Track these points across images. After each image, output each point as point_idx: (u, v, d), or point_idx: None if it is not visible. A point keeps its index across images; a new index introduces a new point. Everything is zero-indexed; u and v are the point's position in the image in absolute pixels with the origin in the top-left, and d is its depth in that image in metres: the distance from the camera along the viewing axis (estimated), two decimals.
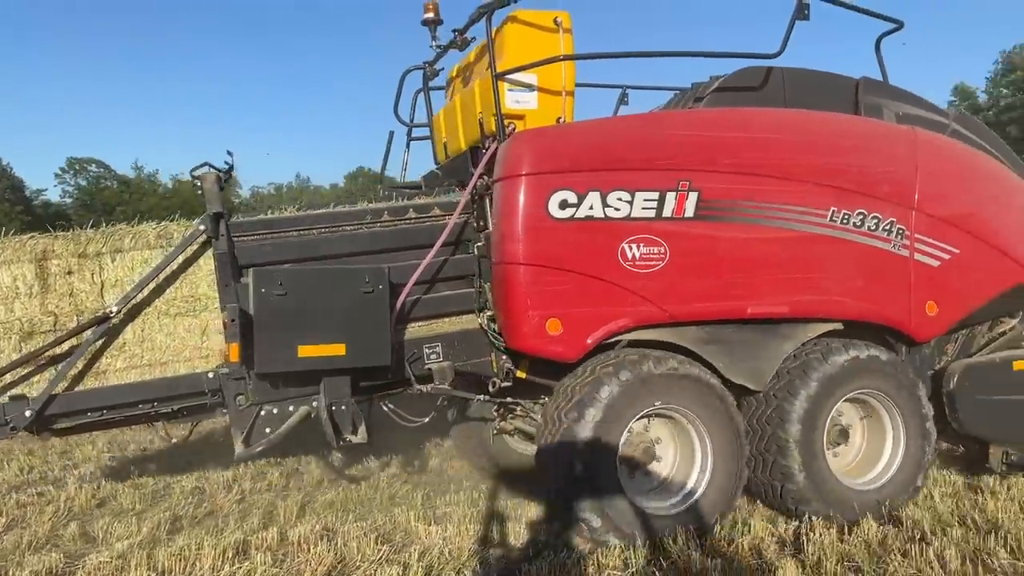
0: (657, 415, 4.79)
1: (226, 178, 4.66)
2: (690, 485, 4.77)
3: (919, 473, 5.20)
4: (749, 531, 4.71)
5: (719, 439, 4.75)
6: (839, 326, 5.24)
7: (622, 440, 4.56)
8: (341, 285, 4.49)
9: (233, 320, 4.30)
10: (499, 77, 4.74)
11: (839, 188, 5.05)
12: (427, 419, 5.27)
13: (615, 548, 4.43)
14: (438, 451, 7.37)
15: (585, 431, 4.42)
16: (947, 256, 5.39)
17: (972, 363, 5.65)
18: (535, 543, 4.69)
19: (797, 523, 4.85)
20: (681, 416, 4.76)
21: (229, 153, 4.76)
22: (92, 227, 4.92)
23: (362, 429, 4.69)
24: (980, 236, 5.52)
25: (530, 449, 5.60)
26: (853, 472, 5.23)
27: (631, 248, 4.63)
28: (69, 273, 4.73)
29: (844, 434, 5.20)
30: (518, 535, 4.84)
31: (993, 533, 4.52)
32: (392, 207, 5.08)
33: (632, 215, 4.62)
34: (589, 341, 4.62)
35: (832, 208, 5.02)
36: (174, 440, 5.10)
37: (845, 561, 4.24)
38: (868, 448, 5.31)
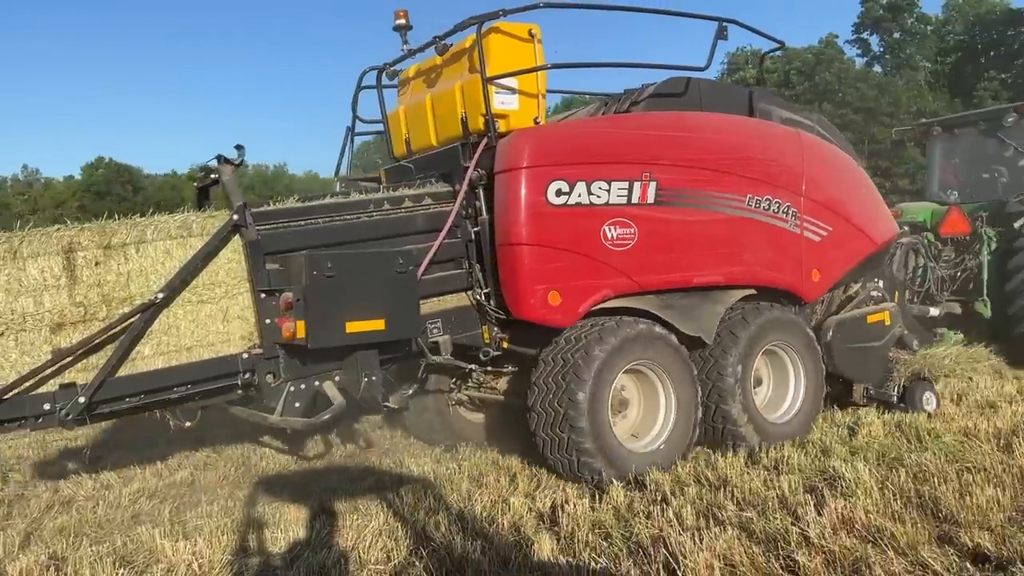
0: (630, 370, 5.65)
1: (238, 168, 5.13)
2: (658, 427, 5.73)
3: (816, 411, 6.53)
4: (509, 509, 4.82)
5: (680, 386, 5.74)
6: (754, 292, 6.37)
7: (611, 393, 5.44)
8: (379, 266, 5.06)
9: (298, 300, 4.74)
10: (489, 81, 5.45)
11: (753, 179, 6.22)
12: (403, 405, 5.86)
13: (376, 542, 4.35)
14: (188, 461, 6.85)
15: (583, 389, 5.25)
16: (825, 233, 6.68)
17: (840, 318, 7.04)
18: (296, 546, 4.52)
19: (553, 497, 5.03)
20: (650, 369, 5.69)
21: (239, 147, 5.13)
22: (106, 219, 4.92)
23: (395, 396, 5.52)
24: (845, 217, 6.87)
25: (479, 417, 6.99)
26: (766, 410, 6.34)
27: (610, 229, 5.53)
28: (96, 264, 4.74)
29: (759, 380, 6.42)
30: (276, 541, 4.67)
31: (722, 488, 4.96)
32: (390, 197, 5.62)
33: (610, 202, 5.53)
34: (581, 310, 5.49)
35: (749, 195, 6.16)
36: (187, 424, 5.28)
37: (596, 529, 4.45)
38: (775, 389, 6.53)
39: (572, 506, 4.81)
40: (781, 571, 3.77)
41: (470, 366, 5.81)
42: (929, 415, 6.69)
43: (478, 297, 5.63)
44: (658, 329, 5.71)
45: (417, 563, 4.12)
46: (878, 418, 6.63)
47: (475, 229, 5.61)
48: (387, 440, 7.50)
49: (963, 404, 7.15)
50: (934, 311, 8.82)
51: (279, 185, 77.94)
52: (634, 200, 5.60)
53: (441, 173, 5.97)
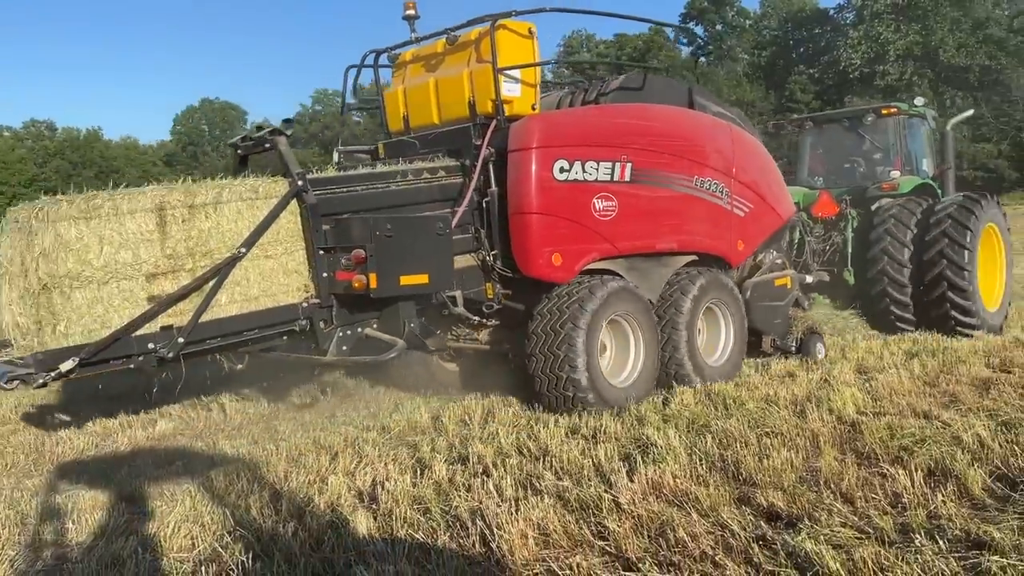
0: (610, 320, 6.60)
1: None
2: (629, 367, 6.81)
3: (741, 357, 7.83)
4: (327, 488, 4.68)
5: (647, 335, 6.84)
6: (696, 258, 7.57)
7: (599, 339, 6.44)
8: (425, 229, 5.95)
9: (371, 256, 5.54)
10: (500, 71, 6.35)
11: (698, 163, 7.39)
12: (440, 347, 6.69)
13: (180, 529, 4.09)
14: None
15: (580, 336, 6.22)
16: (747, 209, 7.95)
17: (755, 281, 8.31)
18: (92, 536, 4.18)
19: (374, 474, 4.92)
20: (623, 319, 6.72)
21: (289, 120, 5.92)
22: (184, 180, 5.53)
23: (432, 340, 6.29)
24: (761, 196, 8.18)
25: (454, 367, 7.88)
26: (705, 354, 7.45)
27: (598, 202, 6.59)
28: (183, 221, 5.29)
29: (699, 331, 7.45)
30: (69, 531, 4.31)
31: (542, 459, 5.04)
32: (412, 169, 6.46)
33: (598, 178, 6.58)
34: (576, 268, 6.53)
35: (695, 176, 7.34)
36: (239, 366, 5.99)
37: (416, 505, 4.39)
38: (709, 339, 7.66)
39: (393, 483, 4.72)
40: (592, 537, 3.86)
41: (475, 317, 6.65)
42: (817, 361, 8.02)
43: (483, 257, 6.51)
44: (631, 286, 6.81)
45: (222, 550, 3.90)
46: (690, 387, 6.98)
47: (485, 200, 6.45)
48: (202, 421, 7.11)
49: (768, 373, 7.66)
50: (809, 279, 9.99)
51: (92, 152, 72.11)
52: (615, 178, 6.68)
53: (448, 149, 6.85)
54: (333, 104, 79.33)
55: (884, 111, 10.69)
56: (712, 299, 7.47)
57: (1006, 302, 10.29)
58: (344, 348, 5.96)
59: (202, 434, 6.64)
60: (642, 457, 5.01)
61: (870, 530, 3.74)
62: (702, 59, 63.87)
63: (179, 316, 5.18)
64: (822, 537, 3.64)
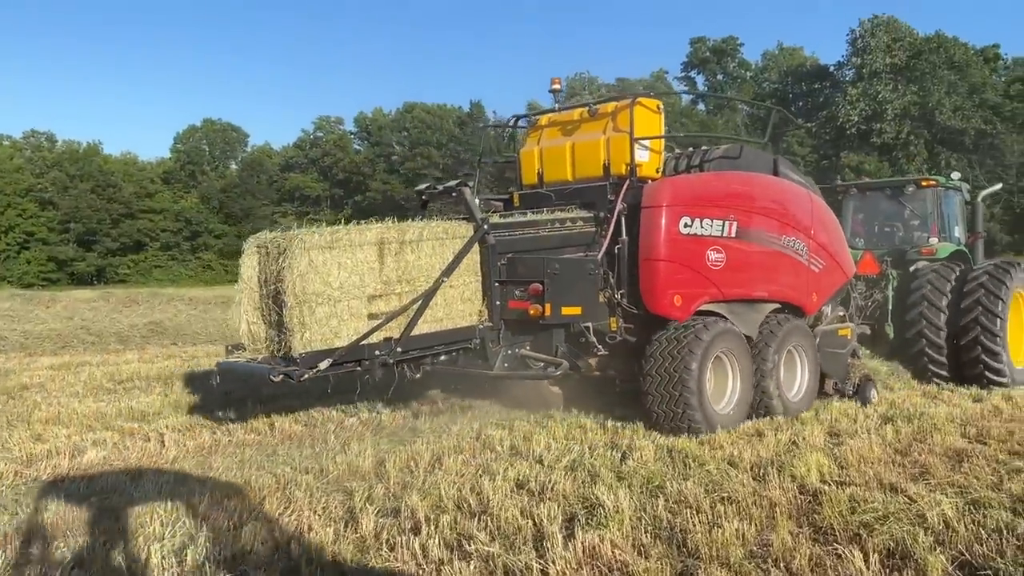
0: (715, 356, 7.41)
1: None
2: (727, 397, 7.61)
3: (814, 394, 8.67)
4: (241, 537, 4.31)
5: (744, 370, 7.70)
6: (780, 306, 8.52)
7: (709, 370, 7.25)
8: (581, 269, 7.20)
9: (546, 289, 7.07)
10: (636, 140, 7.68)
11: (786, 223, 8.41)
12: (559, 372, 7.37)
13: None
14: None
15: (695, 364, 7.07)
16: (821, 266, 8.93)
17: (824, 329, 9.27)
18: None
19: (297, 523, 4.57)
20: (726, 356, 7.57)
21: (468, 174, 7.64)
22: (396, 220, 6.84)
23: (581, 361, 7.51)
24: (831, 254, 9.13)
25: (557, 390, 8.45)
26: (787, 389, 8.27)
27: (711, 254, 7.58)
28: (396, 254, 6.49)
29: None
30: None
31: (479, 516, 4.70)
32: (557, 218, 7.72)
33: (712, 234, 7.59)
34: (692, 309, 7.48)
35: (783, 235, 8.36)
36: (417, 375, 7.20)
37: (331, 564, 4.05)
38: (787, 376, 8.36)
39: (313, 535, 4.39)
40: None
41: (600, 346, 7.42)
42: (871, 404, 8.70)
43: (610, 295, 7.30)
44: (734, 327, 7.71)
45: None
46: (651, 443, 6.67)
47: (616, 247, 7.39)
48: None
49: (736, 432, 7.35)
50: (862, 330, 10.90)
51: (91, 165, 72.01)
52: (725, 234, 7.69)
53: (583, 203, 7.93)
54: (334, 131, 79.63)
55: (923, 183, 11.71)
56: (794, 343, 8.39)
57: None
58: (506, 365, 7.34)
59: (130, 464, 6.28)
60: (586, 519, 4.70)
61: None
62: (700, 107, 64.35)
63: (387, 332, 6.42)
64: None
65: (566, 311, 7.13)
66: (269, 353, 6.33)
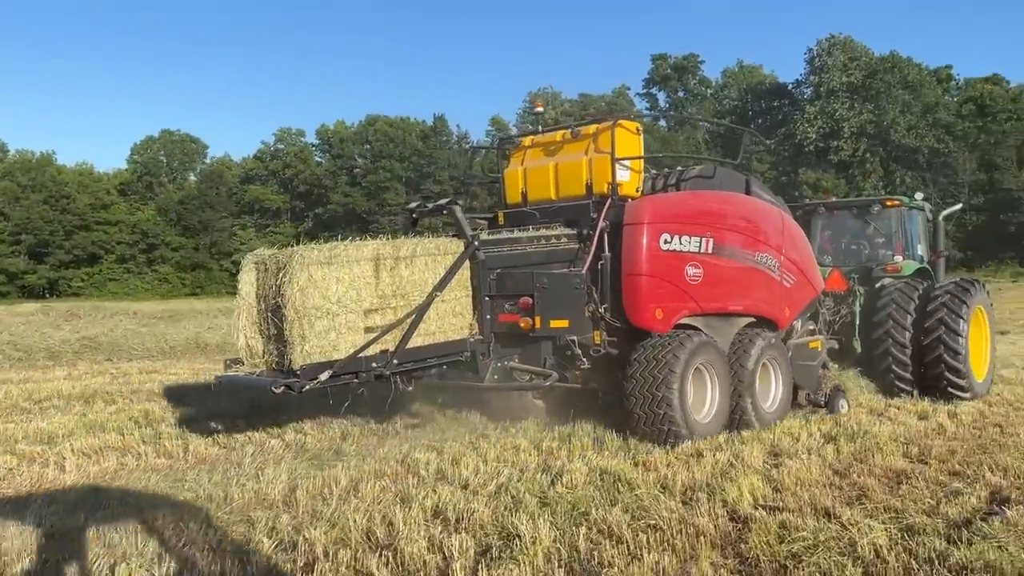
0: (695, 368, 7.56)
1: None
2: (706, 408, 7.75)
3: (788, 405, 8.93)
4: None
5: (722, 381, 7.86)
6: (754, 319, 8.76)
7: (690, 380, 7.42)
8: (568, 283, 7.41)
9: (536, 303, 7.37)
10: (617, 161, 7.87)
11: (759, 240, 8.68)
12: (549, 382, 7.53)
13: None
14: None
15: (676, 377, 7.22)
16: (793, 281, 9.21)
17: (795, 342, 9.58)
18: None
19: (181, 563, 4.19)
20: (705, 368, 7.72)
21: (458, 194, 7.67)
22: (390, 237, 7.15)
23: (568, 374, 7.63)
24: (802, 270, 9.44)
25: (539, 403, 8.63)
26: (762, 401, 8.49)
27: (690, 269, 7.81)
28: (391, 269, 6.70)
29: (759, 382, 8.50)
30: None
31: (382, 551, 4.38)
32: (543, 235, 7.94)
33: (690, 250, 7.82)
34: (672, 322, 7.68)
35: (757, 252, 8.62)
36: (409, 388, 7.29)
37: None
38: (762, 388, 8.53)
39: (197, 574, 4.00)
40: None
41: (584, 359, 7.55)
42: (842, 413, 9.09)
43: (594, 310, 7.49)
44: (713, 340, 7.96)
45: None
46: (584, 464, 6.38)
47: (600, 263, 7.55)
48: None
49: (675, 452, 7.10)
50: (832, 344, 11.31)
51: (44, 175, 70.36)
52: (702, 250, 7.92)
53: (566, 220, 8.13)
54: (295, 143, 78.86)
55: (888, 203, 12.15)
56: (768, 356, 8.55)
57: (991, 372, 11.66)
58: (495, 377, 7.53)
59: (20, 492, 5.83)
60: (500, 552, 4.37)
61: None
62: (661, 123, 64.83)
63: (383, 344, 6.56)
64: None
65: (554, 324, 7.40)
66: (267, 366, 6.49)
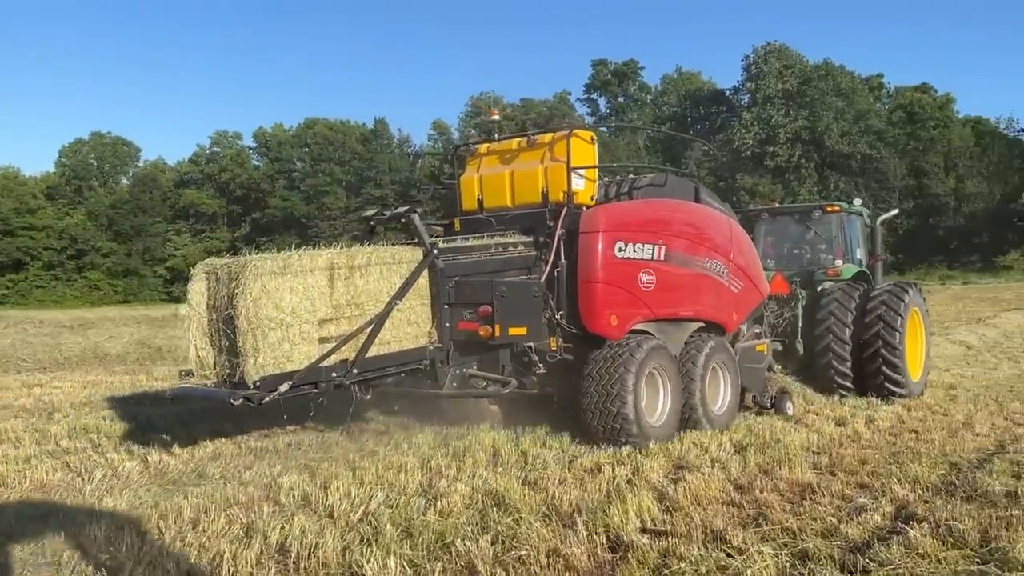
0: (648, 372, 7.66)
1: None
2: (659, 411, 7.86)
3: (736, 408, 9.05)
4: None
5: (674, 385, 8.00)
6: (703, 324, 8.88)
7: (643, 384, 7.54)
8: (526, 291, 7.51)
9: (496, 311, 7.24)
10: (572, 170, 7.96)
11: (708, 247, 8.85)
12: (508, 389, 7.51)
13: None
14: None
15: (630, 380, 7.36)
16: (740, 287, 9.37)
17: (742, 346, 9.72)
18: None
19: None
20: (657, 372, 7.83)
21: (417, 201, 8.58)
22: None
23: (527, 380, 7.70)
24: (749, 276, 9.60)
25: (495, 408, 8.72)
26: (711, 403, 8.58)
27: (643, 276, 7.97)
28: (346, 278, 6.61)
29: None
30: None
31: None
32: (499, 243, 7.96)
33: (643, 257, 7.99)
34: (626, 328, 7.83)
35: (706, 258, 8.79)
36: (367, 397, 7.29)
37: None
38: (712, 390, 8.65)
39: None
40: None
41: (540, 365, 7.58)
42: (788, 416, 9.34)
43: (550, 316, 7.59)
44: (665, 344, 8.06)
45: None
46: (469, 486, 5.82)
47: (556, 270, 7.69)
48: None
49: (573, 467, 6.59)
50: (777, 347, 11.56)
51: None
52: (654, 257, 8.08)
53: (523, 228, 8.20)
54: (232, 146, 76.96)
55: (829, 209, 12.56)
56: (717, 360, 8.67)
57: (926, 372, 12.21)
58: (455, 385, 7.49)
59: None
60: None
61: None
62: (603, 129, 64.96)
63: (341, 354, 6.42)
64: None
65: (513, 331, 7.33)
66: (219, 378, 6.28)
